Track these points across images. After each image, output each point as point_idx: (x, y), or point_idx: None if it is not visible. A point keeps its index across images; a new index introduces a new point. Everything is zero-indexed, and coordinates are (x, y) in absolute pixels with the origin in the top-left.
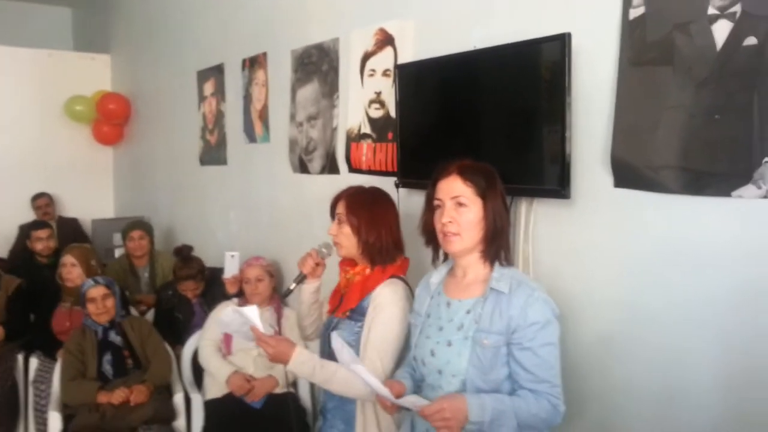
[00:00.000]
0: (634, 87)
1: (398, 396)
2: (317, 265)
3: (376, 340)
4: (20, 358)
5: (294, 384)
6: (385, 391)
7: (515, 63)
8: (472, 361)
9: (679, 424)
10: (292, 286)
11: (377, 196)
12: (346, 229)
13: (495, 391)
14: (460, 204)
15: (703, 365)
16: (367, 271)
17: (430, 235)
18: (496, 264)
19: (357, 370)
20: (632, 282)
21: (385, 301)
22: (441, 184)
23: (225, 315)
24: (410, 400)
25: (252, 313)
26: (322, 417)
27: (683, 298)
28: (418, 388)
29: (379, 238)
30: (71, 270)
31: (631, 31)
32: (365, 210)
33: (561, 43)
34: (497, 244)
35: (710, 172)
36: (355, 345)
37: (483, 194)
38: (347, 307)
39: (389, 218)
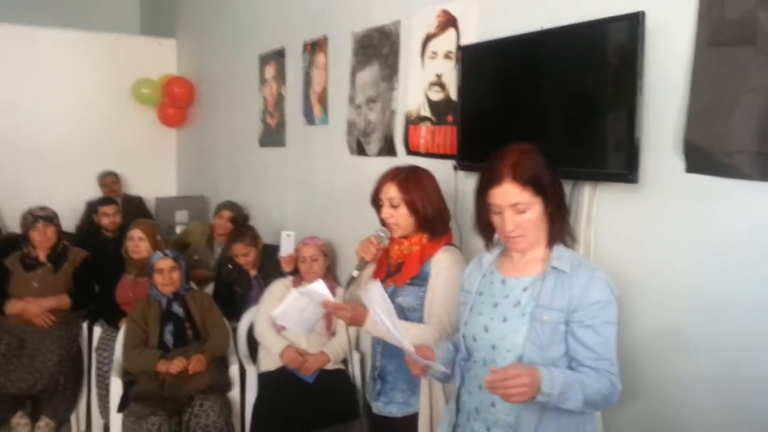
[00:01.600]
0: (711, 68)
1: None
2: (377, 250)
3: (442, 297)
4: (85, 326)
5: (345, 362)
6: (408, 346)
7: (584, 43)
8: (530, 337)
9: (745, 418)
10: (356, 273)
11: (420, 172)
12: (403, 210)
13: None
14: (521, 211)
15: None
16: (424, 240)
17: (487, 233)
18: (556, 244)
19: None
20: (700, 271)
21: (447, 264)
22: (495, 192)
23: (282, 307)
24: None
25: (322, 288)
26: (380, 380)
27: (755, 288)
28: (459, 367)
29: (434, 209)
30: (139, 243)
31: (709, 9)
32: (417, 186)
33: (634, 22)
34: (558, 227)
35: None
36: (419, 308)
37: (541, 191)
38: (409, 276)
39: (437, 190)
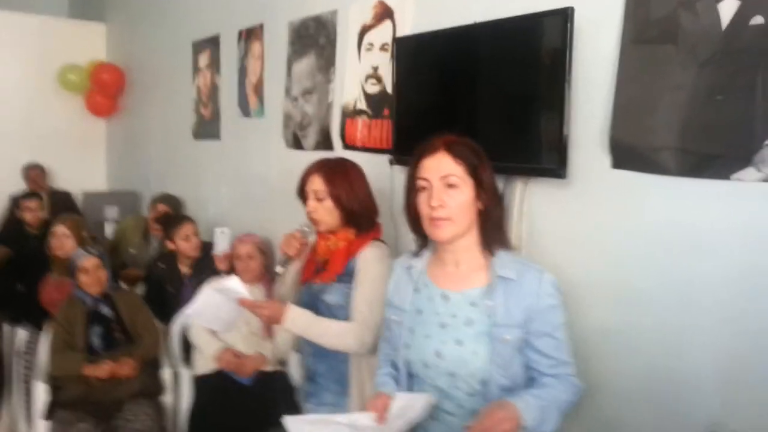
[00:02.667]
0: (635, 66)
1: (385, 407)
2: (301, 245)
3: (366, 292)
4: (7, 329)
5: (283, 362)
6: None
7: (515, 38)
8: (494, 359)
9: (678, 410)
10: (279, 269)
11: (348, 165)
12: (328, 204)
13: (514, 385)
14: (451, 185)
15: (702, 351)
16: (351, 236)
17: (415, 221)
18: (496, 249)
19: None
20: (629, 265)
21: (373, 260)
22: (427, 163)
23: (195, 304)
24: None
25: (236, 284)
26: (310, 382)
27: (681, 281)
28: (410, 390)
29: (360, 204)
30: (63, 240)
31: (635, 7)
32: (343, 179)
33: (563, 17)
34: (494, 227)
35: (710, 154)
36: (346, 305)
37: (475, 173)
38: (335, 272)
39: (364, 184)
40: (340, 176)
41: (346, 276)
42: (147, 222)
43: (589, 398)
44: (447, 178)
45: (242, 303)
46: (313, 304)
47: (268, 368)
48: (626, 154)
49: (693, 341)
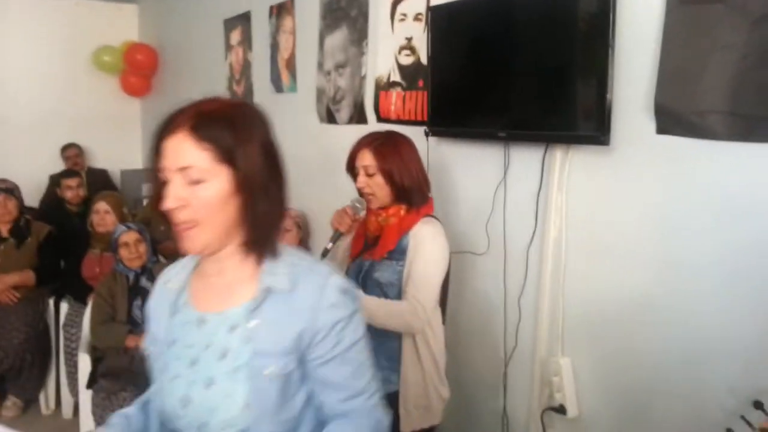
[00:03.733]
0: (682, 27)
1: None
2: (353, 221)
3: (416, 275)
4: (51, 302)
5: None
6: None
7: (555, 3)
8: (253, 402)
9: (722, 383)
10: (330, 245)
11: (399, 138)
12: (379, 179)
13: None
14: (194, 181)
15: (751, 320)
16: (402, 211)
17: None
18: (267, 253)
19: None
20: (675, 233)
21: (426, 236)
22: (166, 146)
23: None
24: None
25: None
26: None
27: (730, 249)
28: None
29: (412, 179)
30: (105, 217)
31: None
32: (394, 154)
33: None
34: (262, 229)
35: (761, 117)
36: (398, 283)
37: (229, 157)
38: (386, 249)
39: (416, 157)
40: (391, 150)
41: (398, 253)
42: None
43: (627, 369)
44: (187, 172)
45: None
46: (362, 281)
47: None
48: (672, 119)
49: (742, 310)
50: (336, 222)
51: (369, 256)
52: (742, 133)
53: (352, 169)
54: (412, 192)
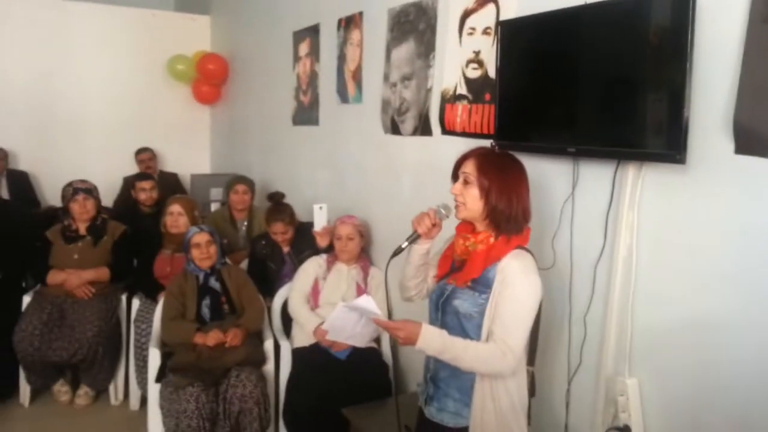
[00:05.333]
0: (763, 46)
1: None
2: (433, 225)
3: (505, 316)
4: (123, 298)
5: (377, 340)
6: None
7: (629, 18)
8: None
9: None
10: (404, 244)
11: (511, 160)
12: (473, 191)
13: None
14: None
15: None
16: (491, 239)
17: None
18: None
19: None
20: (752, 255)
21: (515, 274)
22: None
23: (329, 321)
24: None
25: (369, 303)
26: (432, 384)
27: None
28: None
29: (509, 205)
30: (178, 218)
31: None
32: (498, 173)
33: None
34: None
35: None
36: (477, 317)
37: None
38: (469, 277)
39: (521, 186)
40: (496, 168)
41: (482, 284)
42: (229, 206)
43: (696, 393)
44: None
45: (377, 323)
46: (442, 305)
47: (362, 345)
48: (751, 139)
49: None
50: (416, 222)
51: (452, 280)
52: None
53: (455, 175)
54: (505, 218)
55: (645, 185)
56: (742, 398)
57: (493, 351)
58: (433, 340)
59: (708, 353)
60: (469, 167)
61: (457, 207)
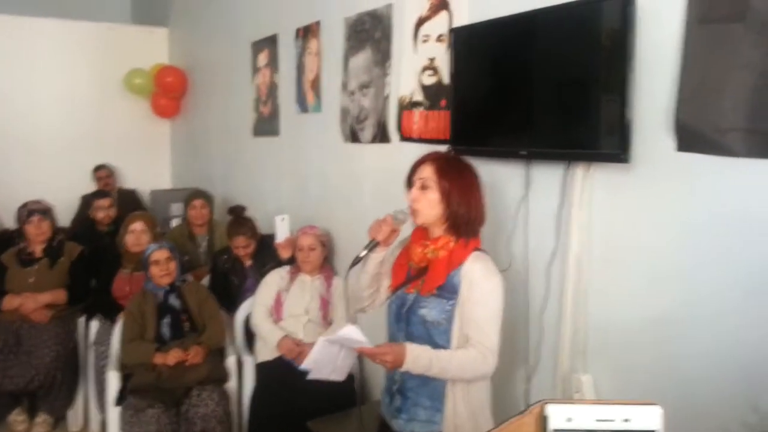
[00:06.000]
0: (701, 47)
1: None
2: (393, 231)
3: (479, 319)
4: (81, 321)
5: None
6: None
7: (576, 23)
8: None
9: (732, 400)
10: (363, 253)
11: (466, 164)
12: (433, 195)
13: None
14: None
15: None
16: (451, 244)
17: None
18: None
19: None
20: (696, 252)
21: (481, 276)
22: None
23: (311, 358)
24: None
25: (355, 333)
26: (400, 396)
27: (752, 269)
28: None
29: (468, 208)
30: (140, 236)
31: None
32: (457, 177)
33: (625, 0)
34: None
35: None
36: (445, 323)
37: None
38: (435, 284)
39: (478, 189)
40: (455, 173)
41: (447, 291)
42: (188, 222)
43: (649, 386)
44: None
45: (362, 352)
46: (406, 315)
47: (342, 379)
48: (692, 137)
49: (757, 333)
50: (373, 230)
51: (413, 288)
52: (763, 150)
53: (409, 182)
54: (464, 221)
55: (594, 185)
56: (693, 390)
57: (474, 356)
58: (420, 358)
59: (660, 348)
60: (427, 172)
61: (413, 212)
